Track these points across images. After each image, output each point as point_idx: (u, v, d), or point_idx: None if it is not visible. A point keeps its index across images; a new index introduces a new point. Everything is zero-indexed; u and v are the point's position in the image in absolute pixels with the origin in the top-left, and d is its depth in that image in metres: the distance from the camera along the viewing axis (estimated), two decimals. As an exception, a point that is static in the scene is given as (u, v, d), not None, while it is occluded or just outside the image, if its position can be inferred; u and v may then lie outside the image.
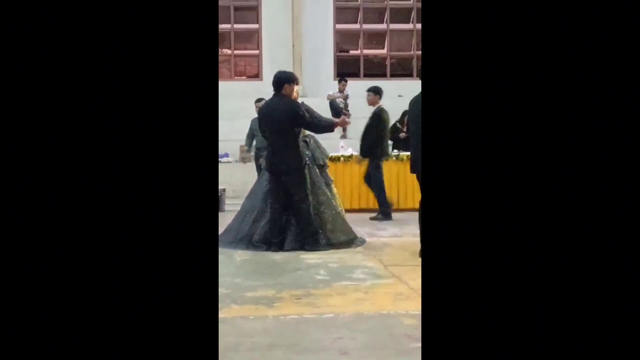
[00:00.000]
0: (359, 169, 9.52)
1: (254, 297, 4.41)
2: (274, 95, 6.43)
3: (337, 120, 6.65)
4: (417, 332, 3.48)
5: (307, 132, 6.78)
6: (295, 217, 6.38)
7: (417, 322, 3.69)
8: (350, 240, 6.56)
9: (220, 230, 6.57)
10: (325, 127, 6.62)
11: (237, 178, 11.37)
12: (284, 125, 6.30)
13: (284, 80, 6.39)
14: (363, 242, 6.69)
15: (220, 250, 5.68)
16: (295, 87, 6.63)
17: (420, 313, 3.79)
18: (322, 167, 6.79)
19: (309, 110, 6.68)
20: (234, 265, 5.53)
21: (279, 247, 6.30)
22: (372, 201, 9.38)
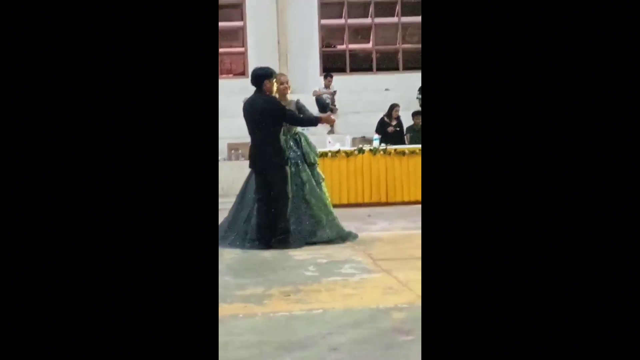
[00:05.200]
0: (347, 164, 9.52)
1: (243, 295, 4.41)
2: (255, 92, 6.42)
3: (322, 115, 6.60)
4: (406, 326, 3.50)
5: (298, 130, 6.76)
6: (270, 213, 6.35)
7: (406, 316, 3.71)
8: (341, 237, 6.53)
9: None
10: (307, 121, 6.60)
11: (226, 176, 11.33)
12: (264, 121, 6.29)
13: (262, 77, 6.37)
14: (355, 237, 6.66)
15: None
16: (284, 80, 6.62)
17: (410, 307, 3.82)
18: (313, 165, 6.75)
19: (301, 108, 6.67)
20: (222, 264, 5.52)
21: (266, 244, 6.27)
22: (360, 196, 9.39)
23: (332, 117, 6.59)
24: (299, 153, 6.64)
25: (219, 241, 6.46)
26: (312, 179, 6.64)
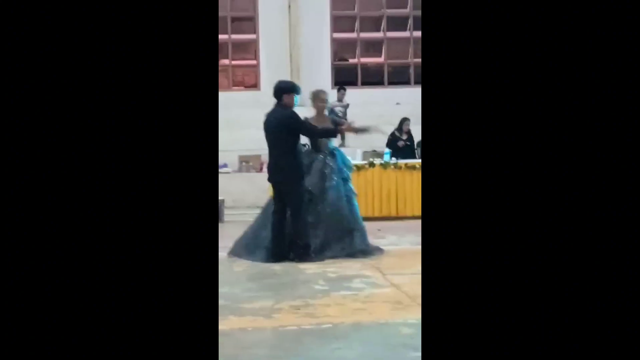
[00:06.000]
0: (357, 178, 9.52)
1: (252, 309, 4.41)
2: (275, 105, 6.43)
3: (341, 125, 6.60)
4: (415, 342, 3.48)
5: (335, 144, 6.73)
6: (290, 227, 6.34)
7: (415, 332, 3.69)
8: (360, 253, 6.46)
9: (231, 240, 6.59)
10: (325, 132, 6.58)
11: (236, 188, 11.37)
12: (281, 134, 6.30)
13: (282, 90, 6.38)
14: (376, 253, 6.54)
15: (225, 259, 5.63)
16: (323, 98, 6.64)
17: (419, 322, 3.81)
18: (346, 181, 6.72)
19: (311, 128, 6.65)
20: (232, 276, 5.54)
21: (280, 257, 6.27)
22: (370, 210, 9.38)
23: (353, 125, 6.58)
24: (334, 168, 6.63)
25: (241, 253, 6.50)
26: (341, 196, 6.59)
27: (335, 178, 6.60)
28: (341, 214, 6.54)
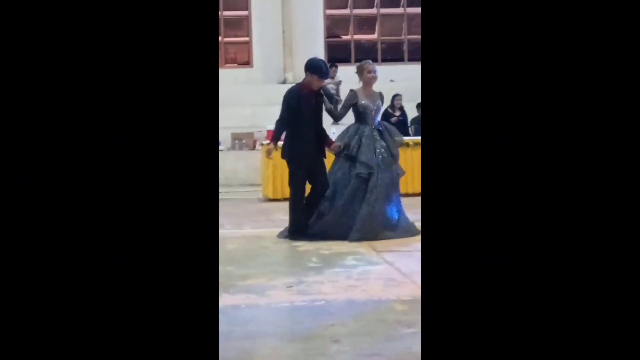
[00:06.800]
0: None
1: (245, 286, 4.41)
2: None
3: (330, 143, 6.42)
4: (409, 318, 3.50)
5: (379, 120, 6.47)
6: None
7: (409, 308, 3.71)
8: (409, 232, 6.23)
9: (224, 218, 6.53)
10: (279, 131, 6.39)
11: (229, 166, 11.36)
12: None
13: (306, 68, 6.25)
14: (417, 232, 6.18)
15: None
16: (371, 70, 6.36)
17: (412, 299, 3.82)
18: (395, 159, 6.42)
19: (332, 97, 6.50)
20: (225, 254, 5.53)
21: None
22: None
23: (340, 144, 6.39)
24: (384, 145, 6.31)
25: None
26: (394, 177, 6.35)
27: (386, 156, 6.30)
28: (391, 196, 6.29)
